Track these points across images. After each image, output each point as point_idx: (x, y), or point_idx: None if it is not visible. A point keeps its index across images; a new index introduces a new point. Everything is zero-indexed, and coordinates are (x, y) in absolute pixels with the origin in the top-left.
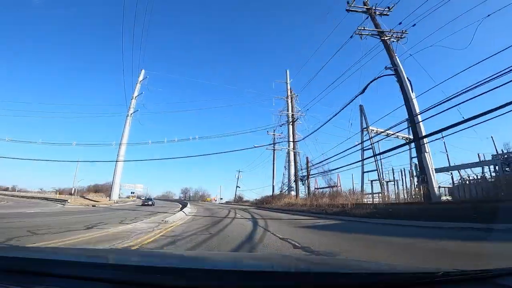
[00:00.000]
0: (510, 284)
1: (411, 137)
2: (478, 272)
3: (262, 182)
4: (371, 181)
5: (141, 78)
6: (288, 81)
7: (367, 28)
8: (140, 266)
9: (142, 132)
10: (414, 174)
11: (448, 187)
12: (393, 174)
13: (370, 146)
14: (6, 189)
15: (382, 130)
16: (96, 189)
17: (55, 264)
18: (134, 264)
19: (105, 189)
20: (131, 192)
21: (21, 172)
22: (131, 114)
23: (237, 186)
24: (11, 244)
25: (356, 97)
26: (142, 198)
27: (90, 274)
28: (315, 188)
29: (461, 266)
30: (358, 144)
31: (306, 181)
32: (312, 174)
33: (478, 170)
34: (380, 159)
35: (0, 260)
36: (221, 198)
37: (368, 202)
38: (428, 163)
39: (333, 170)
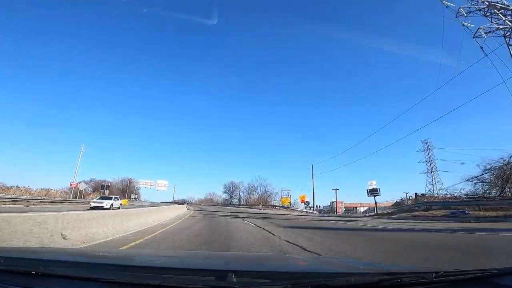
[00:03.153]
0: (510, 283)
1: None
2: (477, 272)
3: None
4: None
5: None
6: None
7: None
8: (138, 266)
9: None
10: None
11: None
12: None
13: None
14: None
15: None
16: None
17: (54, 264)
18: (133, 264)
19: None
20: (103, 190)
21: None
22: None
23: None
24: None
25: None
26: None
27: (88, 274)
28: None
29: (461, 266)
30: None
31: None
32: None
33: None
34: None
35: (0, 260)
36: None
37: None
38: None
39: None
